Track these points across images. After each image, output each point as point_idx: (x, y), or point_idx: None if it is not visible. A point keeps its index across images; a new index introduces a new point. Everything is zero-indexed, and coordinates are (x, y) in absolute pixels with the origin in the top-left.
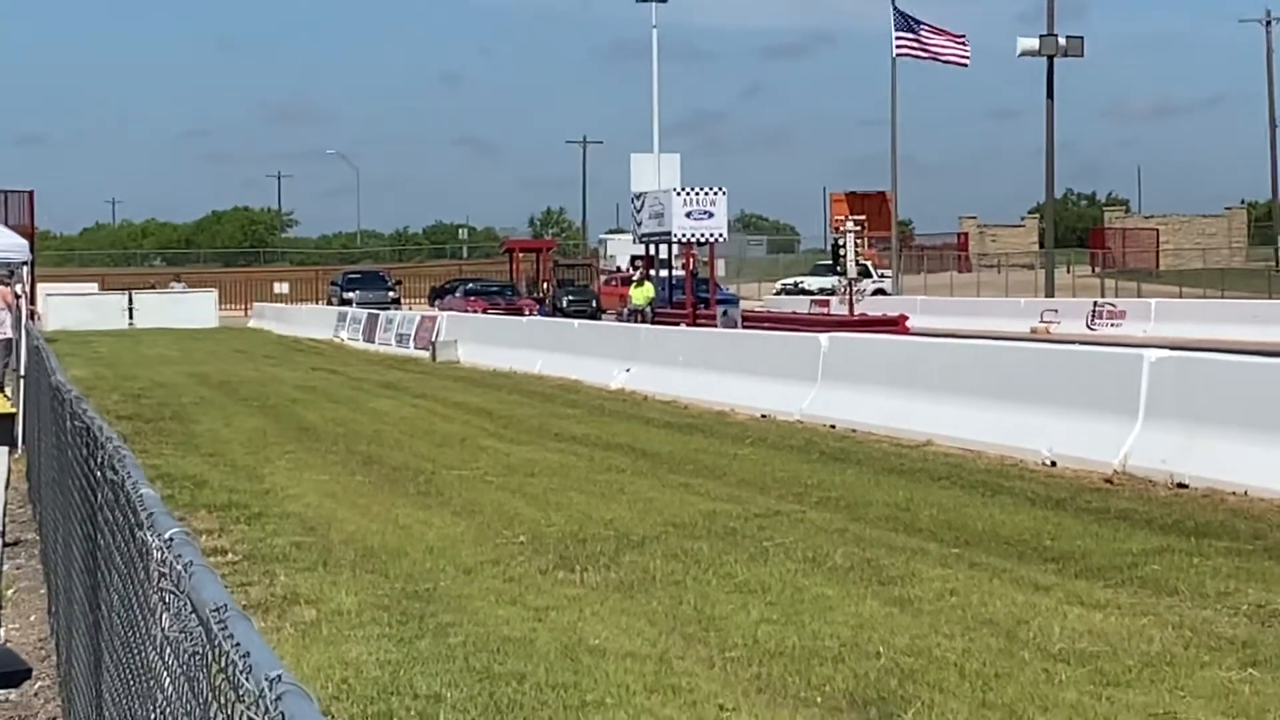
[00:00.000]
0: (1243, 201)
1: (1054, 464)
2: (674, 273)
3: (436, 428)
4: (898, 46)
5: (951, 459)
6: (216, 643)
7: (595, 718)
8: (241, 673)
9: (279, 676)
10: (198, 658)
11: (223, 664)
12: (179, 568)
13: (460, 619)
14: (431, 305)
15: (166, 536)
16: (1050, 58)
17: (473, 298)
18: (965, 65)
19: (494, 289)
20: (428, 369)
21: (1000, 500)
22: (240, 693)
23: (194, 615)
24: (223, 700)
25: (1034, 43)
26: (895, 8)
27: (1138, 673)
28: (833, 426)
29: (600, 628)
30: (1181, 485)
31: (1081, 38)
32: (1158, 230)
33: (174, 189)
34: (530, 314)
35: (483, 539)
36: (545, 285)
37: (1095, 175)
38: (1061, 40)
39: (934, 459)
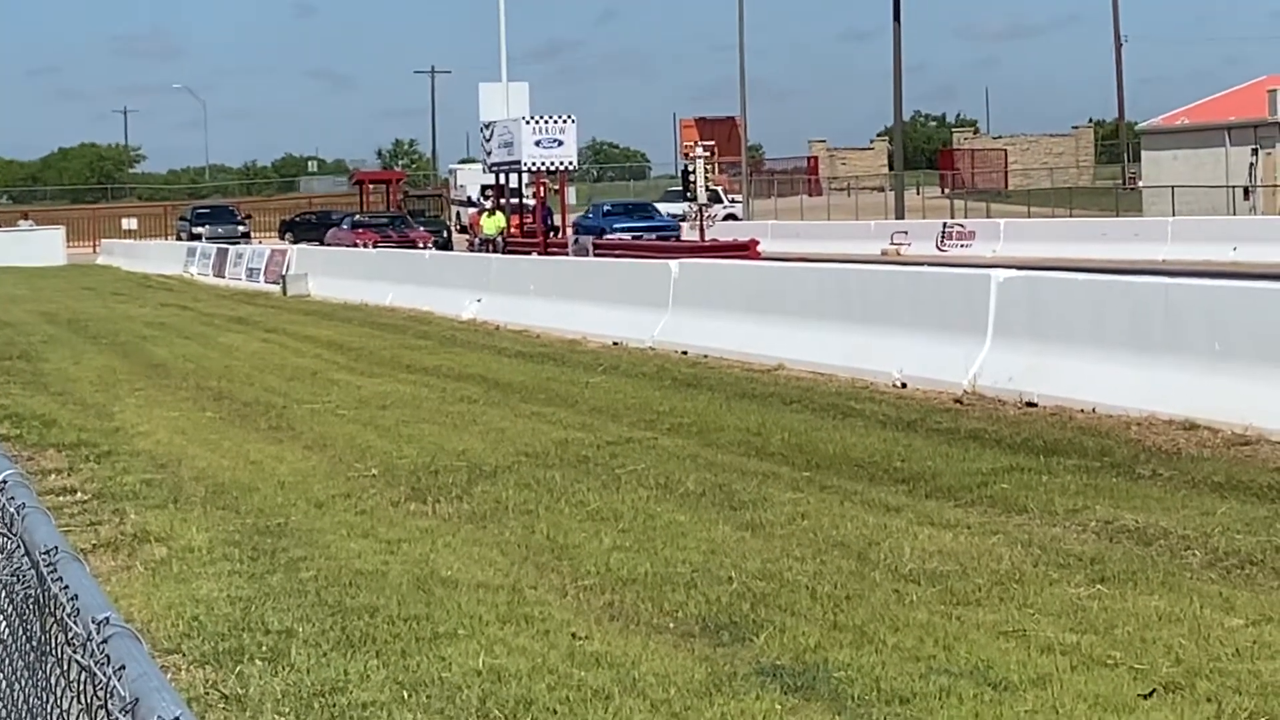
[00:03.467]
0: (1090, 120)
1: (904, 386)
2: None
3: (287, 362)
4: None
5: (803, 383)
6: (47, 585)
7: (448, 649)
8: (70, 615)
9: (107, 619)
10: (30, 601)
11: (52, 607)
12: (12, 510)
13: (312, 553)
14: (282, 239)
15: (0, 479)
16: None
17: (360, 229)
18: None
19: (384, 220)
20: (278, 303)
21: (851, 423)
22: (69, 635)
23: (26, 558)
24: (53, 644)
25: None
26: None
27: (987, 591)
28: (684, 353)
29: (452, 559)
30: (1030, 404)
31: None
32: (1006, 150)
33: (19, 126)
34: (425, 246)
35: (334, 473)
36: None
37: (947, 96)
38: None
39: (785, 383)
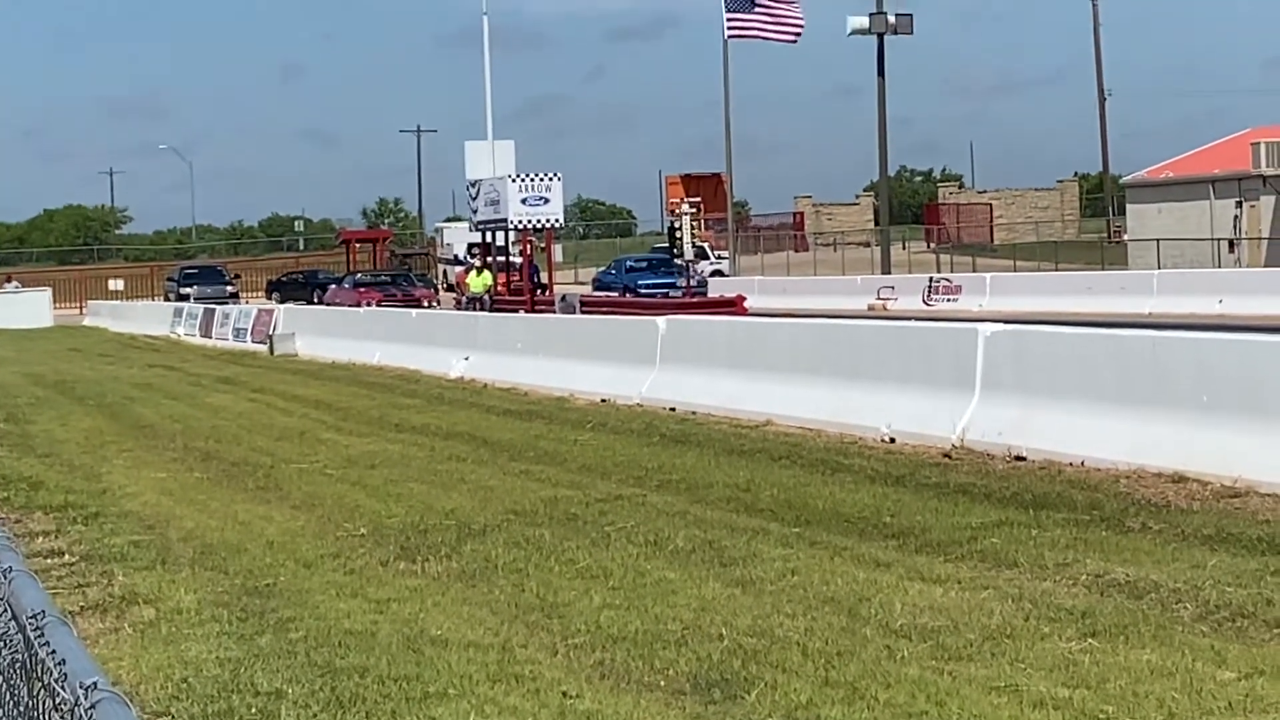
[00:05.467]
0: (1075, 174)
1: (893, 440)
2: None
3: (275, 421)
4: (730, 27)
5: (791, 438)
6: (34, 650)
7: (438, 709)
8: (57, 681)
9: (95, 684)
10: (18, 665)
11: (39, 672)
12: None
13: (301, 614)
14: (269, 298)
15: None
16: (880, 35)
17: (364, 288)
18: (795, 41)
19: (386, 279)
20: (266, 363)
21: (840, 478)
22: (57, 701)
23: (13, 622)
24: (41, 709)
25: (864, 21)
26: None
27: (979, 646)
28: (673, 409)
29: (442, 618)
30: (1019, 458)
31: (910, 15)
32: (991, 205)
33: (5, 187)
34: (430, 305)
35: (323, 532)
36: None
37: (933, 151)
38: (891, 18)
39: (774, 439)
